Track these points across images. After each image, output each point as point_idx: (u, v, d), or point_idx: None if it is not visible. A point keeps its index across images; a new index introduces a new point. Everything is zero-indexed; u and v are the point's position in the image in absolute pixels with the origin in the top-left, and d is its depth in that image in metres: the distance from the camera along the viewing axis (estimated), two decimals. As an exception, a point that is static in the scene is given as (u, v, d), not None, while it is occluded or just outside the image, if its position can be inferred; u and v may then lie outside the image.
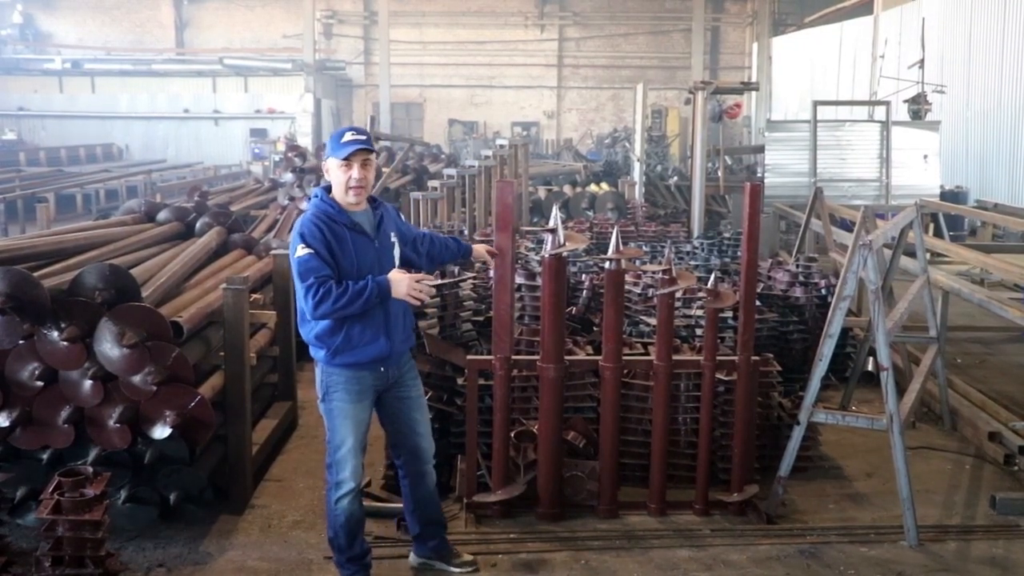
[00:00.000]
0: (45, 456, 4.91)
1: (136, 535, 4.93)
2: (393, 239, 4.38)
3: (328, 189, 4.30)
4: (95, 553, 3.93)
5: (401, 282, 4.09)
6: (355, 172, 4.18)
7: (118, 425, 4.75)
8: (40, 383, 4.80)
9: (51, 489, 3.97)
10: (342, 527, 4.39)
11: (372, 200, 4.39)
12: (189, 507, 5.02)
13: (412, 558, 4.76)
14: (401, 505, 4.88)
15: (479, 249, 4.92)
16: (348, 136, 4.23)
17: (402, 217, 4.71)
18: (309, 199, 4.27)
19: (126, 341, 4.65)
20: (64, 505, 3.91)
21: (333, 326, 4.18)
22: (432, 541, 4.70)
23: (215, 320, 5.51)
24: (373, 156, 4.32)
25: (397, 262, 4.35)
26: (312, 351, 4.31)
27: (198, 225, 7.38)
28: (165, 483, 4.93)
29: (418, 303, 4.18)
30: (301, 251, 4.08)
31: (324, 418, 4.37)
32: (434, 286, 4.18)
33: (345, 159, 4.19)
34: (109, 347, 4.69)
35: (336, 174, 4.22)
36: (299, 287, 4.11)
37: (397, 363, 4.40)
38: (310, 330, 4.23)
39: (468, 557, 4.74)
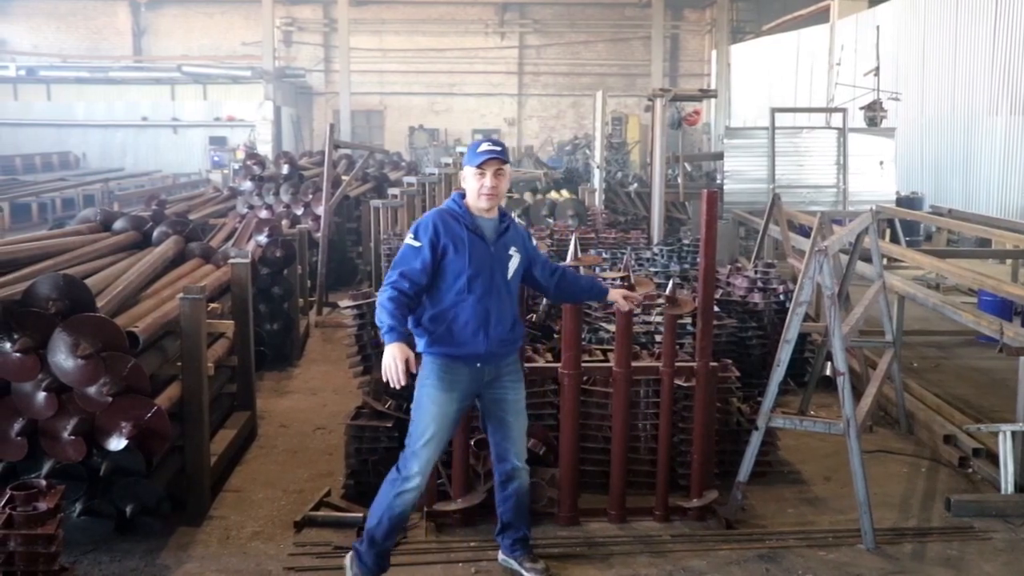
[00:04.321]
0: (-2, 469, 4.85)
1: (92, 549, 4.86)
2: (512, 253, 4.57)
3: (463, 195, 4.55)
4: (48, 568, 3.86)
5: (388, 355, 4.12)
6: (488, 180, 4.43)
7: (73, 437, 4.68)
8: (-8, 395, 4.72)
9: (3, 503, 3.90)
10: (390, 520, 4.44)
11: (503, 214, 4.61)
12: (146, 519, 4.96)
13: (499, 556, 4.83)
14: (361, 515, 4.87)
15: (615, 294, 5.02)
16: (484, 147, 4.52)
17: (533, 240, 4.88)
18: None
19: (80, 352, 4.59)
20: (16, 519, 3.84)
21: (439, 316, 4.40)
22: (508, 538, 4.77)
23: (172, 330, 5.46)
24: (507, 166, 4.52)
25: (510, 274, 4.55)
26: (415, 336, 4.47)
27: (155, 234, 7.32)
28: (121, 495, 4.87)
29: (384, 379, 4.19)
30: (408, 239, 4.41)
31: (412, 408, 4.51)
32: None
33: (479, 167, 4.44)
34: (63, 358, 4.63)
35: (470, 181, 4.48)
36: (390, 268, 4.39)
37: (495, 364, 4.54)
38: (421, 314, 4.42)
39: (541, 564, 4.73)
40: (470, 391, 4.53)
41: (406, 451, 4.46)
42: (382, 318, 4.20)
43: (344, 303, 6.50)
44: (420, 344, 4.43)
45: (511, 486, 4.71)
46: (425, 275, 4.32)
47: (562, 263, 5.42)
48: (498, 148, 4.50)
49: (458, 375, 4.44)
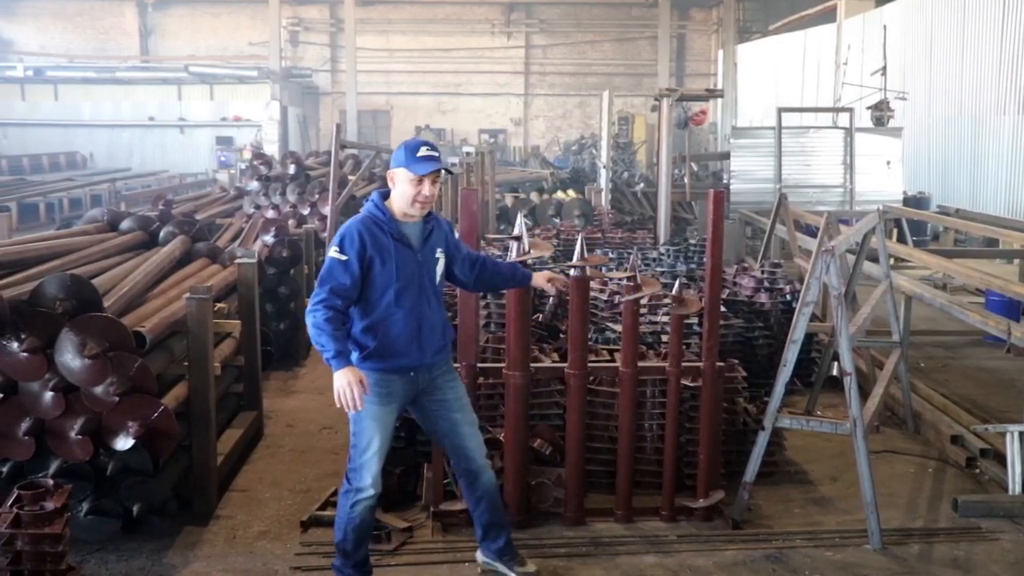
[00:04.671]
0: (5, 469, 4.85)
1: (99, 548, 4.87)
2: (438, 255, 4.43)
3: (384, 196, 4.34)
4: (55, 567, 3.87)
5: (342, 379, 4.03)
6: (425, 188, 4.22)
7: (80, 437, 4.69)
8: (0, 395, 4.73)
9: (10, 502, 3.91)
10: (353, 532, 4.41)
11: (428, 213, 4.40)
12: (153, 519, 4.98)
13: (478, 556, 4.75)
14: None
15: (539, 279, 4.91)
16: (424, 152, 4.23)
17: (455, 234, 4.71)
18: (364, 201, 4.31)
19: (87, 352, 4.60)
20: (24, 518, 3.84)
21: (370, 330, 4.26)
22: (493, 544, 4.67)
23: (179, 330, 5.47)
24: (442, 173, 4.33)
25: (438, 278, 4.43)
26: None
27: (162, 234, 7.33)
28: (128, 495, 4.88)
29: (338, 404, 4.11)
30: (333, 253, 4.19)
31: (351, 421, 4.39)
32: None
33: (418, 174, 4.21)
34: (70, 358, 4.64)
35: (404, 186, 4.24)
36: (317, 284, 4.21)
37: (429, 371, 4.45)
38: (352, 327, 4.30)
39: (532, 568, 4.68)
40: (406, 400, 4.45)
41: (353, 463, 4.39)
42: (324, 342, 4.04)
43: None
44: (353, 358, 4.24)
45: (479, 485, 4.60)
46: (355, 289, 4.19)
47: (568, 263, 5.39)
48: (437, 155, 4.26)
49: (393, 386, 4.35)
